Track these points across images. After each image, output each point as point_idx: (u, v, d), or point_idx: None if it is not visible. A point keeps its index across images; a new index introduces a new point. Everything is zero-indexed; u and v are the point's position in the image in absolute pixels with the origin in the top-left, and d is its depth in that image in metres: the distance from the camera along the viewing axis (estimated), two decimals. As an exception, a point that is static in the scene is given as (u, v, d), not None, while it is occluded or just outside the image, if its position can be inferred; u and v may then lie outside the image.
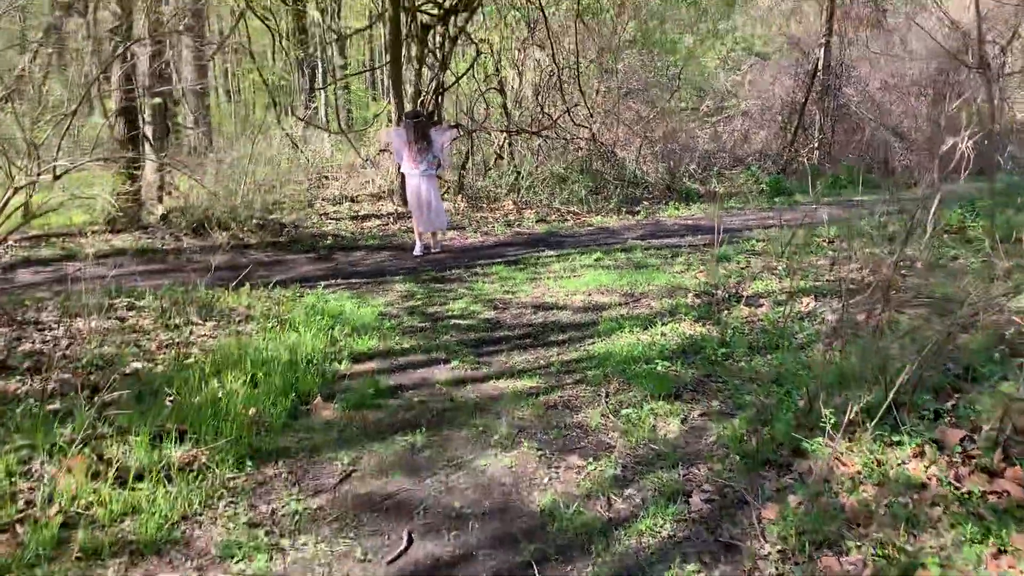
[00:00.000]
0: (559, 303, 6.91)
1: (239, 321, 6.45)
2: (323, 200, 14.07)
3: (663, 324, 5.99)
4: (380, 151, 15.60)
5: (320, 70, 29.02)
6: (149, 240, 10.39)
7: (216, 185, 15.07)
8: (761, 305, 6.38)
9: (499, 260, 8.99)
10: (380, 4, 23.91)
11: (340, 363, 5.37)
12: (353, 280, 8.17)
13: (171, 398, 4.65)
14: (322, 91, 28.98)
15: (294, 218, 11.94)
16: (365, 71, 23.79)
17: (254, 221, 11.38)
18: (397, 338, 5.96)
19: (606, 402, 4.47)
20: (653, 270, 8.02)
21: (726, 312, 6.19)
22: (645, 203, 13.35)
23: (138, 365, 5.32)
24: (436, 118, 13.28)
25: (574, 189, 12.71)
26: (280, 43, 20.31)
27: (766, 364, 4.97)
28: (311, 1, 20.06)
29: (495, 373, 5.12)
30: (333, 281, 8.09)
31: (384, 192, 13.93)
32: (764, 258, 8.36)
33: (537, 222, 11.61)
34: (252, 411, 4.43)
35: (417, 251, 9.71)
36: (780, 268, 7.57)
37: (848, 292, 5.23)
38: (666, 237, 10.26)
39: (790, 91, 17.80)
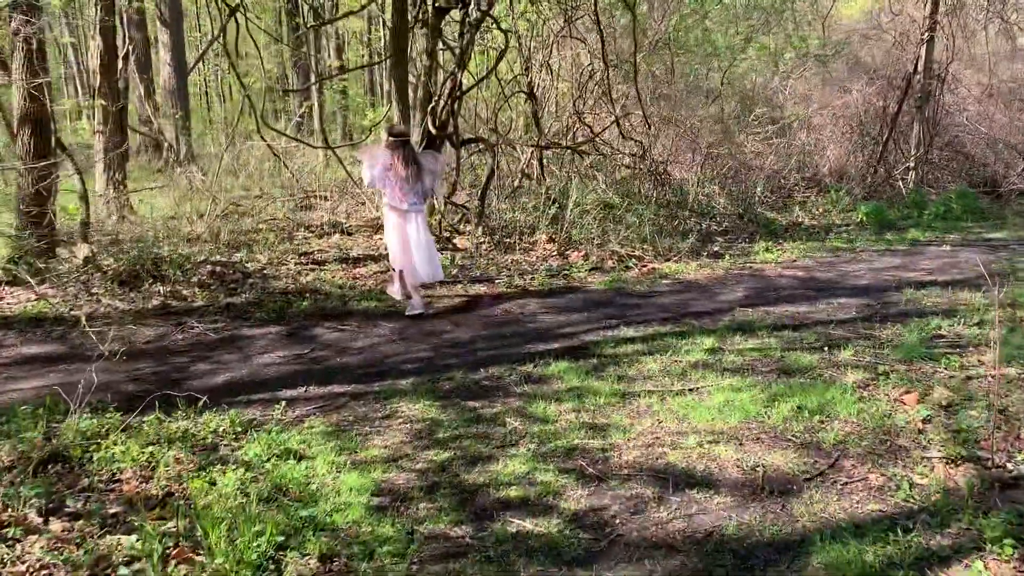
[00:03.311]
0: (696, 469, 3.87)
1: (116, 521, 3.43)
2: (307, 231, 11.09)
3: (952, 558, 2.98)
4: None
5: (314, 73, 26.11)
6: (55, 299, 7.38)
7: (178, 207, 12.20)
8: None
9: (556, 346, 5.98)
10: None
11: None
12: (336, 387, 5.16)
13: None
14: (316, 94, 26.02)
15: (264, 262, 8.93)
16: (360, 68, 20.79)
17: (209, 267, 8.39)
18: (414, 588, 2.94)
19: None
20: (817, 383, 4.99)
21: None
22: (720, 240, 10.36)
23: None
24: (453, 129, 10.29)
25: (631, 223, 9.67)
26: (273, 41, 17.49)
27: None
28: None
29: None
30: (303, 390, 5.10)
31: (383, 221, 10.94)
32: (980, 354, 5.35)
33: (590, 271, 8.60)
34: None
35: (416, 308, 7.06)
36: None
37: None
38: (786, 302, 7.24)
39: (868, 97, 14.83)
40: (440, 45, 10.45)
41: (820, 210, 12.46)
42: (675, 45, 14.66)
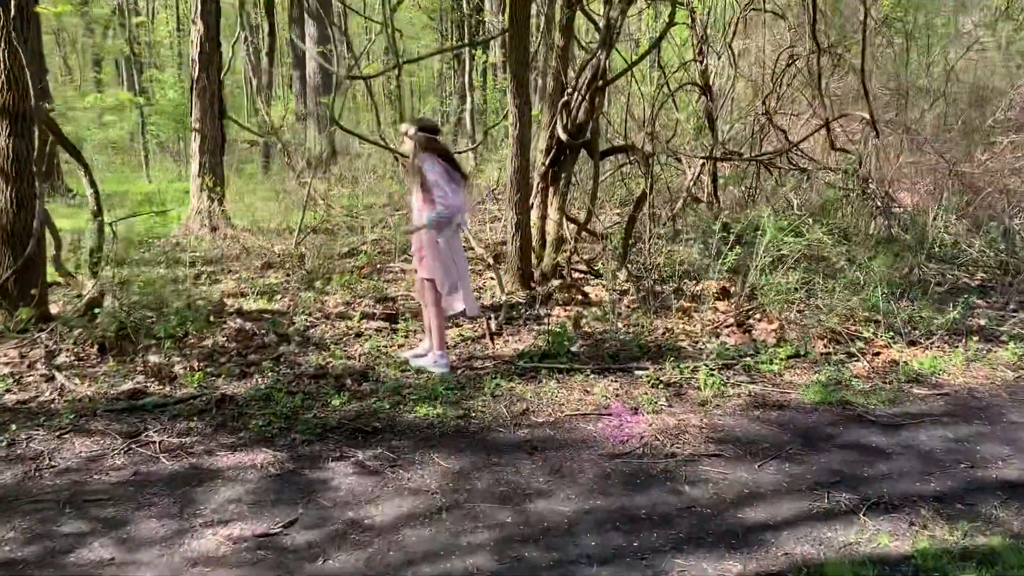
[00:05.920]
0: None
1: None
2: (408, 259, 8.62)
3: None
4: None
5: (468, 67, 23.94)
6: (7, 367, 5.22)
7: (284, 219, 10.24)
8: None
9: (736, 568, 3.06)
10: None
11: None
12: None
13: None
14: (467, 95, 23.91)
15: (327, 310, 6.50)
16: (444, 51, 18.29)
17: (239, 322, 6.05)
18: None
19: None
20: None
21: None
22: (981, 306, 6.95)
23: None
24: (594, 134, 7.47)
25: (851, 278, 6.42)
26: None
27: None
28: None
29: None
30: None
31: (502, 245, 8.30)
32: None
33: (789, 359, 5.52)
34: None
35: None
36: None
37: None
38: None
39: None
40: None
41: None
42: (900, 27, 11.18)
